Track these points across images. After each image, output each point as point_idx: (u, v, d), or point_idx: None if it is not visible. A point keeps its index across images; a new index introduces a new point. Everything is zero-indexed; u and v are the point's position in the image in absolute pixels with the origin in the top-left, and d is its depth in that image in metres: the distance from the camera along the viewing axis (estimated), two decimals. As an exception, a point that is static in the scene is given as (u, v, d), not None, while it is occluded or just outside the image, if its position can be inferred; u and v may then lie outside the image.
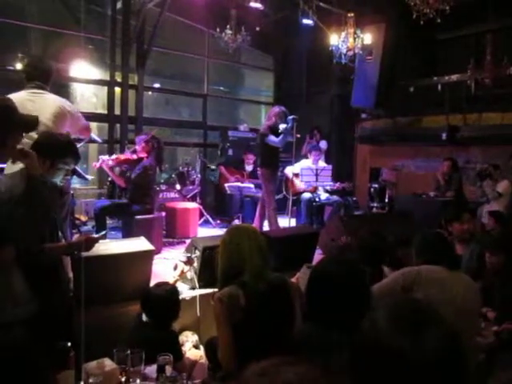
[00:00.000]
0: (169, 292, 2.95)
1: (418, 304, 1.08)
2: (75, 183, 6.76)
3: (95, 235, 2.72)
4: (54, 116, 3.47)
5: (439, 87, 8.09)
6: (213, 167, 8.44)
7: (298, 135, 6.25)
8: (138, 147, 5.70)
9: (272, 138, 5.84)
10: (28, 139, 2.88)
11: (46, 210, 2.37)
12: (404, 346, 0.92)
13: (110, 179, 6.23)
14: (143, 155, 5.60)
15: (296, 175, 6.89)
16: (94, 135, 5.79)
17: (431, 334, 0.93)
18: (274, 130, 5.91)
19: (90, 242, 2.63)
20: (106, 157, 5.59)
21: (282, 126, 5.83)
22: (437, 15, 5.65)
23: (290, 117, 5.88)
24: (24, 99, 3.39)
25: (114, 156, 5.72)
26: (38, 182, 2.29)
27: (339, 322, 1.75)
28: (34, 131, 2.43)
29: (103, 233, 2.79)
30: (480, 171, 6.51)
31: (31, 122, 2.25)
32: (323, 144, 8.40)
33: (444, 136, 7.91)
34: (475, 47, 7.90)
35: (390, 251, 3.64)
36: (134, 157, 5.64)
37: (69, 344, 2.14)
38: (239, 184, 7.25)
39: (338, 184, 7.05)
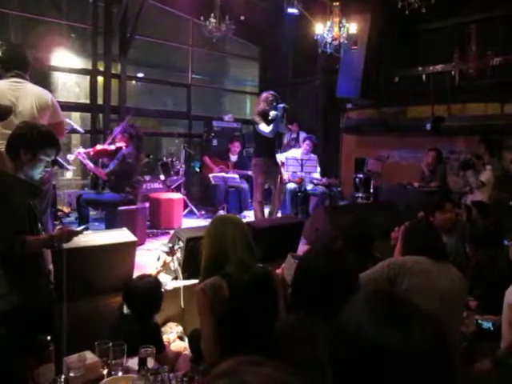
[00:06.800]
0: (151, 285, 2.92)
1: (393, 295, 1.06)
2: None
3: (77, 228, 2.67)
4: (36, 107, 3.40)
5: (424, 77, 8.11)
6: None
7: (290, 126, 6.11)
8: (116, 138, 5.66)
9: (261, 126, 5.72)
10: (7, 130, 2.81)
11: (17, 204, 2.32)
12: (391, 339, 0.90)
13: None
14: (121, 145, 5.54)
15: (282, 164, 6.87)
16: (76, 125, 5.71)
17: (417, 324, 0.92)
18: (264, 116, 5.78)
19: (71, 235, 2.58)
20: (82, 149, 5.49)
21: (272, 113, 5.68)
22: (422, 5, 5.65)
23: (281, 105, 5.74)
24: (5, 89, 3.32)
25: (90, 149, 5.65)
26: (6, 176, 2.23)
27: (326, 312, 1.73)
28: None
29: (84, 226, 2.74)
30: (463, 161, 6.55)
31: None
32: (302, 135, 8.32)
33: (428, 126, 7.93)
34: (460, 38, 7.91)
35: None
36: (112, 147, 5.57)
37: (48, 337, 2.10)
38: (224, 174, 7.21)
39: (324, 179, 7.07)
